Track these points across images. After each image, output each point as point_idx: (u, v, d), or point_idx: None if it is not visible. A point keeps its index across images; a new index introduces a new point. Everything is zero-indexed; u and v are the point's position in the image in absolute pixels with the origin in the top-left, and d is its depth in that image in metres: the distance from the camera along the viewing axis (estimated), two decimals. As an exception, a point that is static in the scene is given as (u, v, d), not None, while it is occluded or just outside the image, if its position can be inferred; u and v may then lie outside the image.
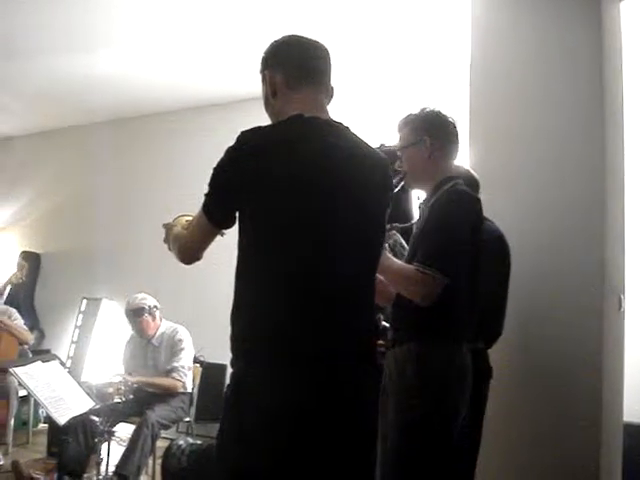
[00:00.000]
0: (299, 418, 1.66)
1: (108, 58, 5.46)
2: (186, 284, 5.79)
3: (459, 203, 2.31)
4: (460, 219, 2.27)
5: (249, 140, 1.74)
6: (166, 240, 2.10)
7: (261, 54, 1.94)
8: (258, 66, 1.94)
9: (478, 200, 2.38)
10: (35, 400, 6.25)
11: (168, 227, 2.10)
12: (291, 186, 1.71)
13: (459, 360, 2.31)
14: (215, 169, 1.78)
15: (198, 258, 1.91)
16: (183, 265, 1.95)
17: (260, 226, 1.74)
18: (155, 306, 4.83)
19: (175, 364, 4.68)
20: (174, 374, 4.66)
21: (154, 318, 4.82)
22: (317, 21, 4.50)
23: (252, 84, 5.24)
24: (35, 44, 5.20)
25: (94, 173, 7.14)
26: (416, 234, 2.40)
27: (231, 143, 1.75)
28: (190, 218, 2.02)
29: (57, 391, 3.00)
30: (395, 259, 2.34)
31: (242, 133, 1.75)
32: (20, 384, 5.96)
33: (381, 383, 2.08)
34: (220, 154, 1.76)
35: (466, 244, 2.27)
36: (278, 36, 1.95)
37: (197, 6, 4.53)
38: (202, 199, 1.83)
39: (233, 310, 1.77)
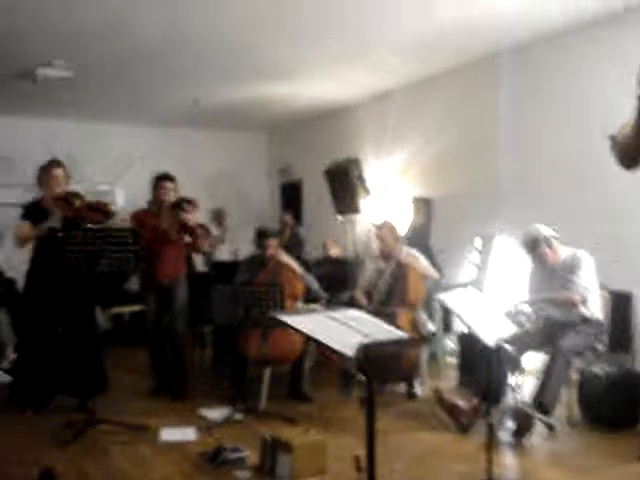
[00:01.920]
0: None
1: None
2: (584, 209, 5.53)
3: None
4: None
5: None
6: (613, 149, 2.01)
7: None
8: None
9: None
10: (442, 334, 6.65)
11: (614, 137, 2.00)
12: None
13: None
14: None
15: (638, 162, 1.79)
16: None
17: None
18: (551, 236, 4.75)
19: (572, 278, 4.63)
20: (571, 287, 4.63)
21: (552, 248, 4.75)
22: None
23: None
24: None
25: (476, 114, 7.17)
26: None
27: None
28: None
29: (480, 315, 3.13)
30: None
31: None
32: (430, 319, 6.40)
33: None
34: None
35: None
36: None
37: None
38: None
39: None
